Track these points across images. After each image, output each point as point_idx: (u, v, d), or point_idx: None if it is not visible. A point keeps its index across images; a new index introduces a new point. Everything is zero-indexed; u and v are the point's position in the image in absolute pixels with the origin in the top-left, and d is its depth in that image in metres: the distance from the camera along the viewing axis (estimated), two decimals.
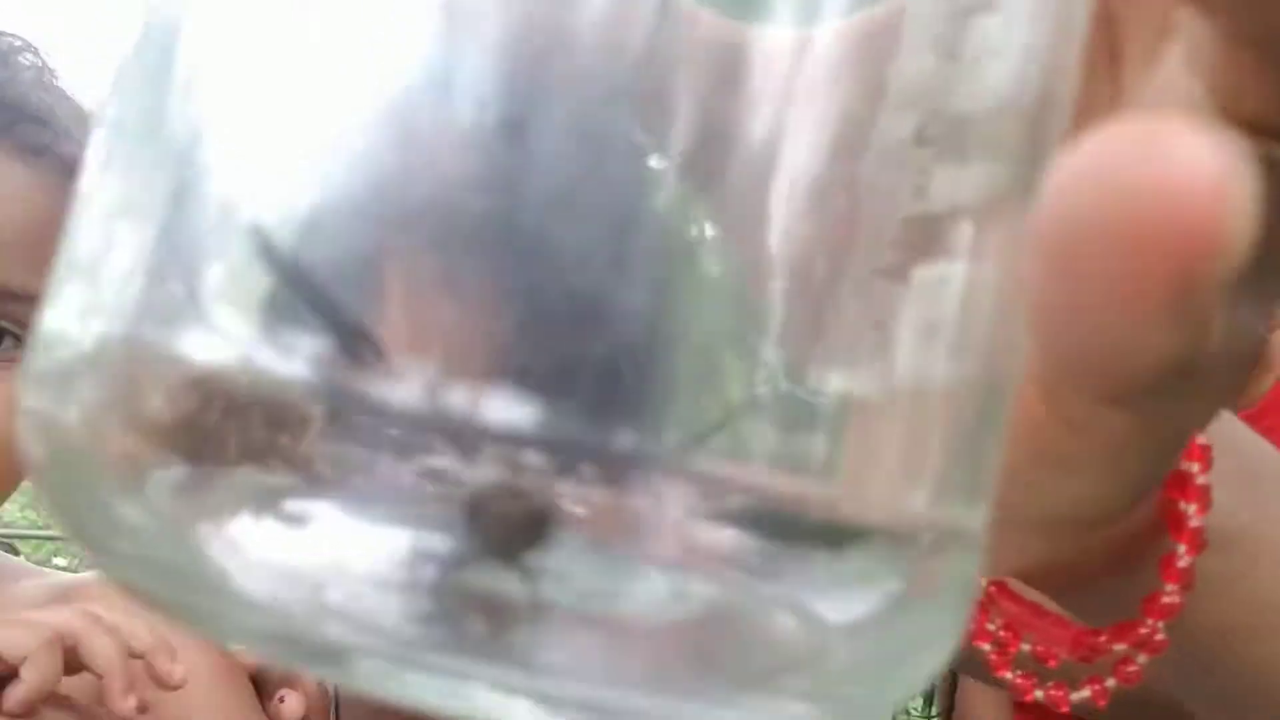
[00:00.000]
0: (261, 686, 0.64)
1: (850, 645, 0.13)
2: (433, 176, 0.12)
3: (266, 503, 0.12)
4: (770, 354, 0.13)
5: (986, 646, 0.26)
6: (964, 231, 0.14)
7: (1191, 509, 0.24)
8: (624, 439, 0.12)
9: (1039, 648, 0.26)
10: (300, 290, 0.12)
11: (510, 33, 0.12)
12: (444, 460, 0.11)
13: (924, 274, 0.13)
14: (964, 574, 0.14)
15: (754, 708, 0.13)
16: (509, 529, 0.11)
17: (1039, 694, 0.27)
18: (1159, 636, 0.25)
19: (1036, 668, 0.26)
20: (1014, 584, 0.27)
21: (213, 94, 0.14)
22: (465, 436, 0.11)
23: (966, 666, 0.60)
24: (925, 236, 0.13)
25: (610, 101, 0.12)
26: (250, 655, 0.66)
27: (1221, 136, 0.11)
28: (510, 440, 0.11)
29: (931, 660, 0.14)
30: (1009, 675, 0.27)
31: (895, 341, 0.13)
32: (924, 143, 0.13)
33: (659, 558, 0.12)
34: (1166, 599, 0.24)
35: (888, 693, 0.14)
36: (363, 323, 0.12)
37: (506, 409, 0.11)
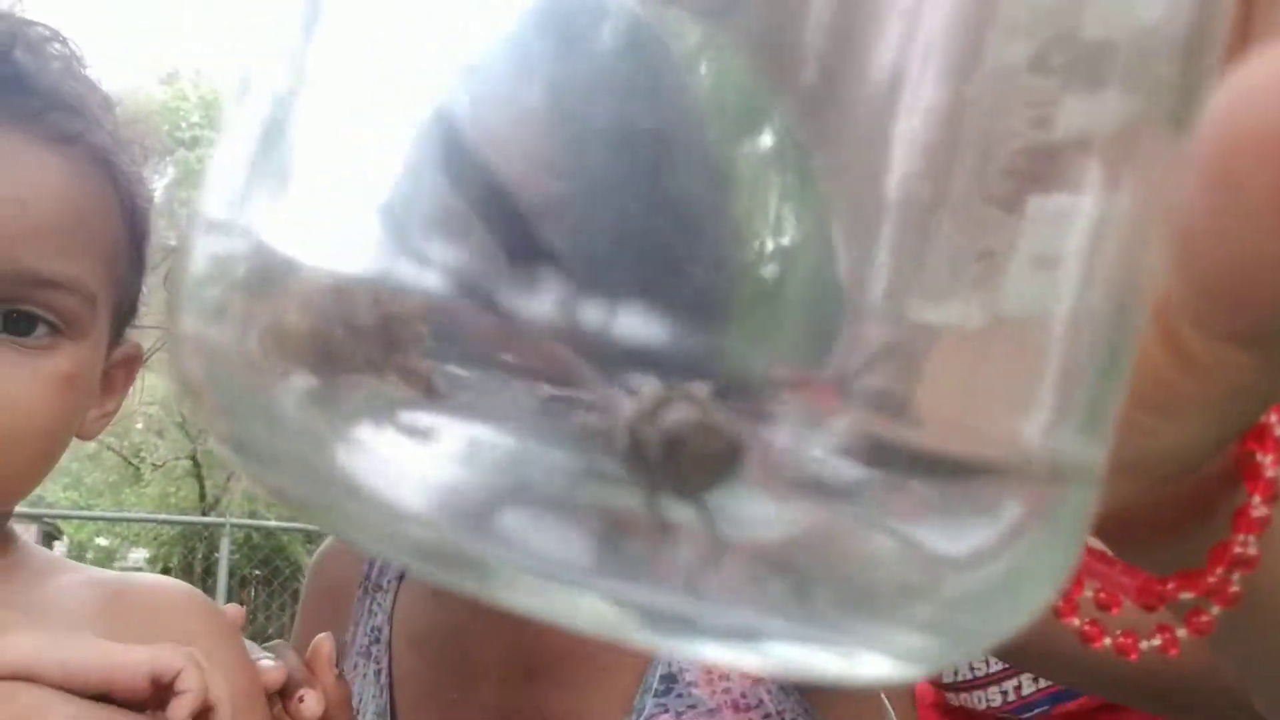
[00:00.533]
0: (282, 691, 0.61)
1: (964, 575, 0.13)
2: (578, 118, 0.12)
3: (427, 418, 0.12)
4: (891, 285, 0.12)
5: None
6: (1092, 162, 0.13)
7: (1269, 459, 0.23)
8: (756, 367, 0.11)
9: (1102, 594, 0.25)
10: (473, 204, 0.12)
11: None
12: (603, 387, 0.11)
13: (1044, 204, 0.13)
14: (1079, 507, 0.14)
15: (871, 635, 0.13)
16: (704, 467, 0.11)
17: (1107, 641, 0.26)
18: (1233, 588, 0.24)
19: (1104, 615, 0.26)
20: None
21: (345, 15, 0.14)
22: (622, 362, 0.11)
23: (1022, 651, 0.54)
24: (1047, 166, 0.13)
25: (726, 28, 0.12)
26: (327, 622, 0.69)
27: None
28: (669, 370, 0.11)
29: (1041, 593, 0.14)
30: (1076, 621, 0.26)
31: (1007, 271, 0.13)
32: (1045, 70, 0.13)
33: (789, 489, 0.12)
34: (1238, 549, 0.23)
35: (998, 624, 0.14)
36: (527, 239, 0.12)
37: (663, 340, 0.11)
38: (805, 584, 0.13)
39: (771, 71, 0.13)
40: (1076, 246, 0.13)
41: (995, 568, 0.14)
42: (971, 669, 1.23)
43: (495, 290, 0.12)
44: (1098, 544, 0.26)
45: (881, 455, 0.12)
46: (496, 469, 0.12)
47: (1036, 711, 1.21)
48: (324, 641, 0.64)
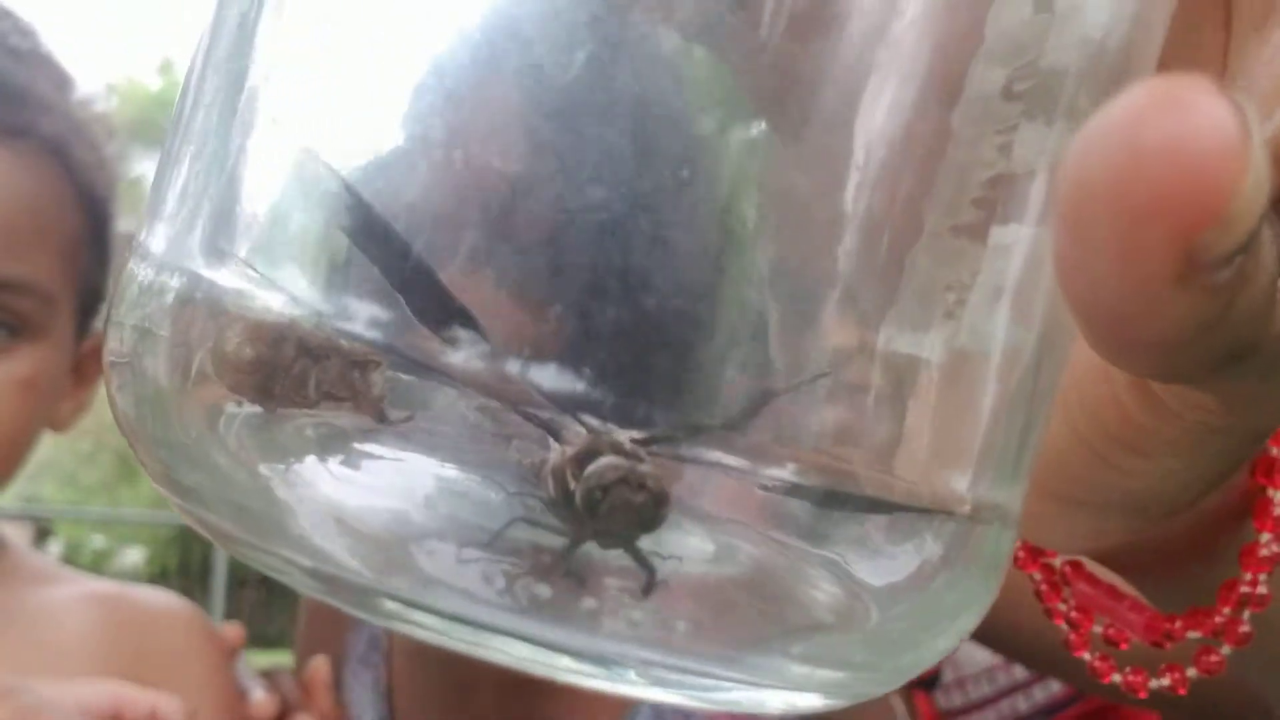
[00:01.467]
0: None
1: (883, 611, 0.13)
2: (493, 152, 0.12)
3: (349, 454, 0.12)
4: (838, 324, 0.12)
5: (1063, 626, 0.25)
6: (1038, 192, 0.13)
7: (1279, 496, 0.22)
8: (691, 415, 0.12)
9: (1110, 630, 0.25)
10: (381, 257, 0.12)
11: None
12: (532, 434, 0.11)
13: (999, 235, 0.13)
14: (998, 548, 0.14)
15: (787, 672, 0.13)
16: (626, 517, 0.11)
17: (1116, 678, 0.25)
18: (1244, 628, 0.23)
19: (1115, 652, 0.25)
20: (1090, 564, 0.26)
21: (294, 56, 0.14)
22: (555, 410, 0.11)
23: (1033, 657, 0.62)
24: (1004, 196, 0.13)
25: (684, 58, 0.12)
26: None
27: (1241, 103, 0.10)
28: (602, 417, 0.11)
29: (962, 625, 0.14)
30: (1087, 656, 0.25)
31: (966, 305, 0.13)
32: (1012, 98, 0.13)
33: (718, 525, 0.12)
34: (1245, 588, 0.23)
35: (920, 655, 0.14)
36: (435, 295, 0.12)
37: (593, 389, 0.11)
38: (726, 622, 0.13)
39: (741, 94, 0.13)
40: (1014, 281, 0.13)
41: (916, 603, 0.14)
42: (966, 693, 1.24)
43: (422, 341, 0.12)
44: (1112, 578, 0.26)
45: (806, 497, 0.13)
46: (425, 507, 0.12)
47: None
48: (320, 665, 0.63)
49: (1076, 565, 0.26)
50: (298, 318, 0.12)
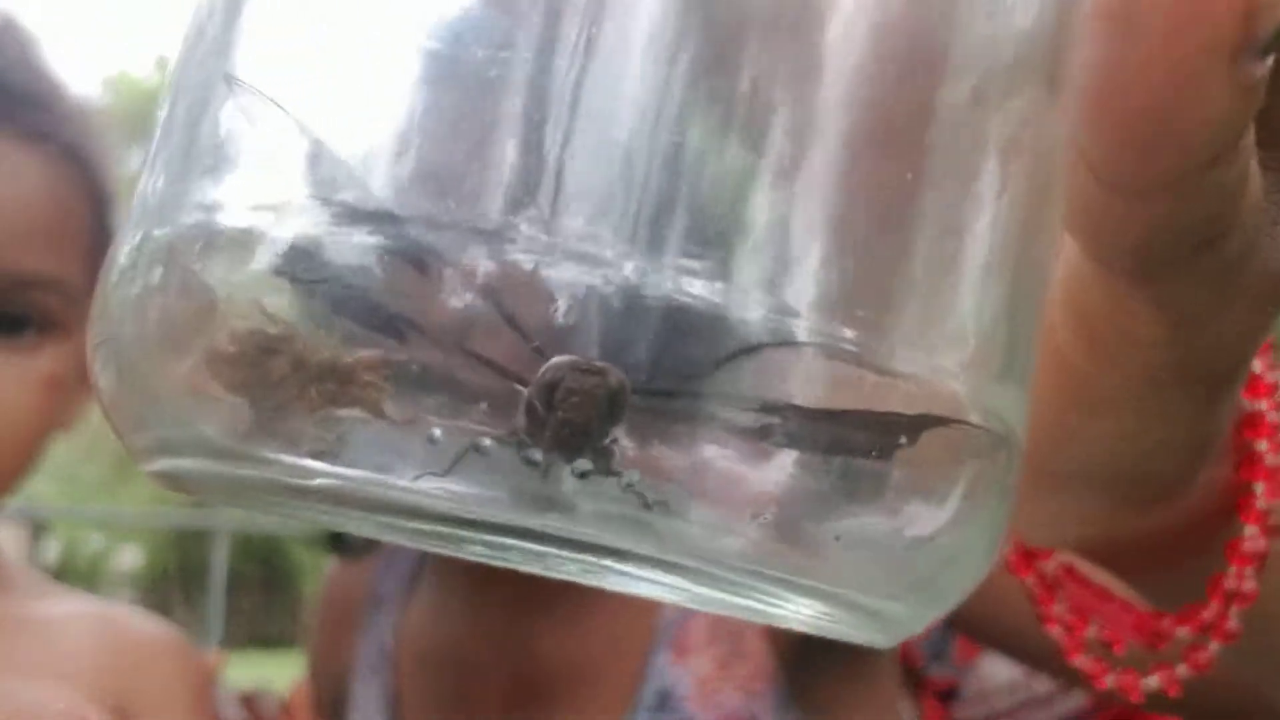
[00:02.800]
0: None
1: (905, 550, 0.13)
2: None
3: (325, 417, 0.12)
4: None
5: (1058, 630, 0.26)
6: (1011, 160, 0.14)
7: (1260, 488, 0.22)
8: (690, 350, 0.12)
9: (1105, 632, 0.25)
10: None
11: None
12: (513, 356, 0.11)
13: (973, 213, 0.14)
14: (1009, 465, 0.15)
15: (791, 602, 0.13)
16: (589, 402, 0.11)
17: (1110, 680, 0.26)
18: (1230, 624, 0.23)
19: (1106, 654, 0.25)
20: (1082, 567, 0.26)
21: (277, 51, 0.14)
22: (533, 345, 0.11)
23: (1033, 657, 0.61)
24: (981, 178, 0.14)
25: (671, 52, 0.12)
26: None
27: None
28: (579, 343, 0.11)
29: (975, 566, 0.14)
30: (1080, 660, 0.26)
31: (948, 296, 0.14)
32: (979, 101, 0.14)
33: (719, 468, 0.12)
34: (1230, 583, 0.23)
35: (932, 596, 0.14)
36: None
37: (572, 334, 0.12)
38: (745, 543, 0.13)
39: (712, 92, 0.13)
40: (994, 241, 0.14)
41: (943, 525, 0.14)
42: (989, 705, 1.24)
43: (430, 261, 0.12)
44: (1107, 581, 0.26)
45: (818, 417, 0.13)
46: (418, 420, 0.12)
47: None
48: (304, 689, 0.63)
49: (1069, 569, 0.26)
50: (293, 327, 0.12)
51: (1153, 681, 0.25)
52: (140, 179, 0.15)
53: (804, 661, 0.63)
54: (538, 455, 0.12)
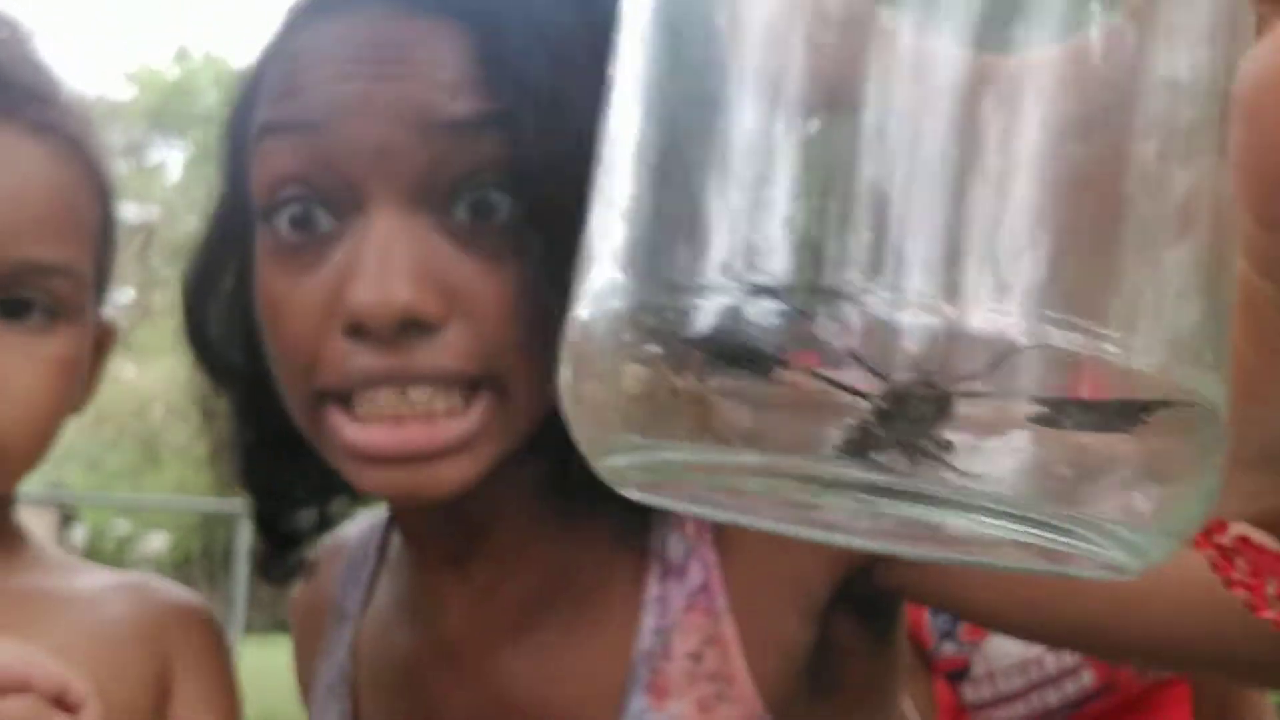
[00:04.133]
0: None
1: (1150, 494, 0.18)
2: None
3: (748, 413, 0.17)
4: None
5: (1242, 593, 0.29)
6: (1199, 204, 0.18)
7: None
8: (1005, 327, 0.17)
9: None
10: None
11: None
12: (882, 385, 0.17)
13: (1174, 253, 0.18)
14: (1215, 441, 0.19)
15: (1075, 535, 0.18)
16: (926, 411, 0.17)
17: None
18: None
19: None
20: (1257, 536, 0.28)
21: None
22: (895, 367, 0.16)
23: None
24: (1178, 222, 0.18)
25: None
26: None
27: None
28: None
29: (1201, 508, 0.19)
30: (1270, 614, 0.28)
31: (1158, 300, 0.18)
32: (1164, 158, 0.18)
33: (1003, 433, 0.17)
34: None
35: (1171, 530, 0.19)
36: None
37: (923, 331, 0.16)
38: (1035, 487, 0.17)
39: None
40: (1199, 260, 0.18)
41: (1171, 478, 0.18)
42: (994, 685, 1.25)
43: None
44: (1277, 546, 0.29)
45: (1073, 407, 0.17)
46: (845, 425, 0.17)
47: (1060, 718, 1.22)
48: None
49: (1244, 538, 0.29)
50: (705, 333, 0.18)
51: None
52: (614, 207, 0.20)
53: (795, 704, 0.59)
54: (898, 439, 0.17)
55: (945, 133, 0.17)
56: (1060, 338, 0.17)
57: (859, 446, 0.17)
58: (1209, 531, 0.29)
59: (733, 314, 0.17)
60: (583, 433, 0.20)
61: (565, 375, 0.20)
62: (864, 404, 0.17)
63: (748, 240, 0.18)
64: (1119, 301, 0.18)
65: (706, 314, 0.18)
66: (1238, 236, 0.19)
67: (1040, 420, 0.17)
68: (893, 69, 0.17)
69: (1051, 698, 1.23)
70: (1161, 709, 1.27)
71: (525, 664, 0.62)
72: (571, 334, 0.20)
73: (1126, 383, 0.18)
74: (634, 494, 0.21)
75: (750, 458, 0.18)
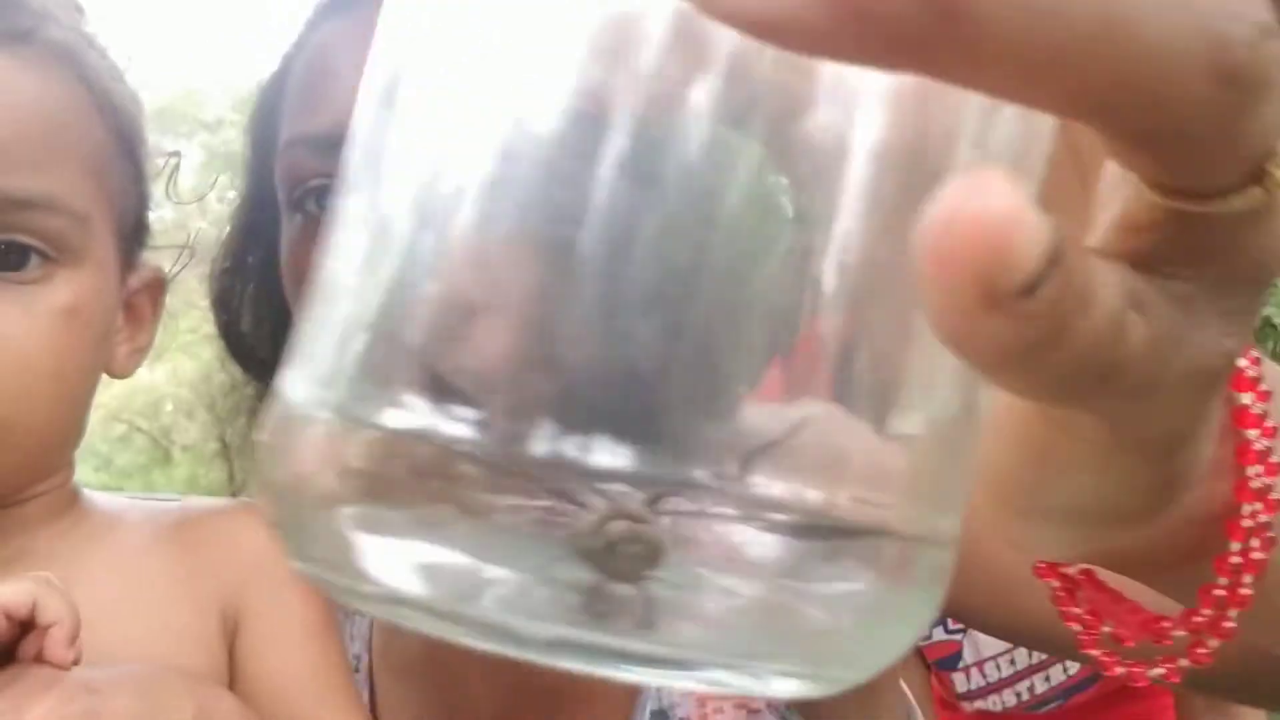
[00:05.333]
0: None
1: (846, 620, 0.17)
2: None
3: (434, 533, 0.16)
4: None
5: (1076, 627, 0.29)
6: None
7: (1248, 509, 0.24)
8: (698, 476, 0.16)
9: (1117, 630, 0.28)
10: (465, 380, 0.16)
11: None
12: (569, 505, 0.15)
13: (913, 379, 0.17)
14: (937, 567, 0.18)
15: (773, 666, 0.17)
16: (633, 558, 0.16)
17: (1120, 670, 0.29)
18: (1228, 624, 0.25)
19: (1118, 648, 0.28)
20: (1100, 573, 0.28)
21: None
22: (579, 483, 0.15)
23: (1061, 648, 0.58)
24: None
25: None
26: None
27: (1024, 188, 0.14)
28: (613, 481, 0.15)
29: (908, 634, 0.18)
30: (1095, 652, 0.29)
31: (938, 385, 0.17)
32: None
33: (715, 562, 0.16)
34: (1219, 591, 0.25)
35: (875, 657, 0.18)
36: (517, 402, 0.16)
37: (609, 459, 0.15)
38: (723, 629, 0.16)
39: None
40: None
41: (872, 613, 0.17)
42: (984, 676, 1.26)
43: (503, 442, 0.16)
44: (1122, 582, 0.28)
45: (785, 531, 0.16)
46: (495, 559, 0.16)
47: (1051, 706, 1.23)
48: None
49: (1088, 573, 0.29)
50: (401, 434, 0.16)
51: (1158, 671, 0.28)
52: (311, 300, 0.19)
53: None
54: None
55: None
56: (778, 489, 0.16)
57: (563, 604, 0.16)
58: (1054, 563, 0.29)
59: (419, 436, 0.16)
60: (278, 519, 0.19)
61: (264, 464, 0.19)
62: (567, 542, 0.16)
63: (438, 358, 0.17)
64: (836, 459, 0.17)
65: (393, 436, 0.17)
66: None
67: (740, 570, 0.16)
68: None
69: (1039, 685, 1.24)
70: (1150, 696, 1.28)
71: None
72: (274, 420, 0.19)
73: (840, 510, 0.17)
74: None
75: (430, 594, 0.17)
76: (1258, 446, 0.24)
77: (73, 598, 0.46)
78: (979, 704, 1.28)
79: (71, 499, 0.58)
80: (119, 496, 0.64)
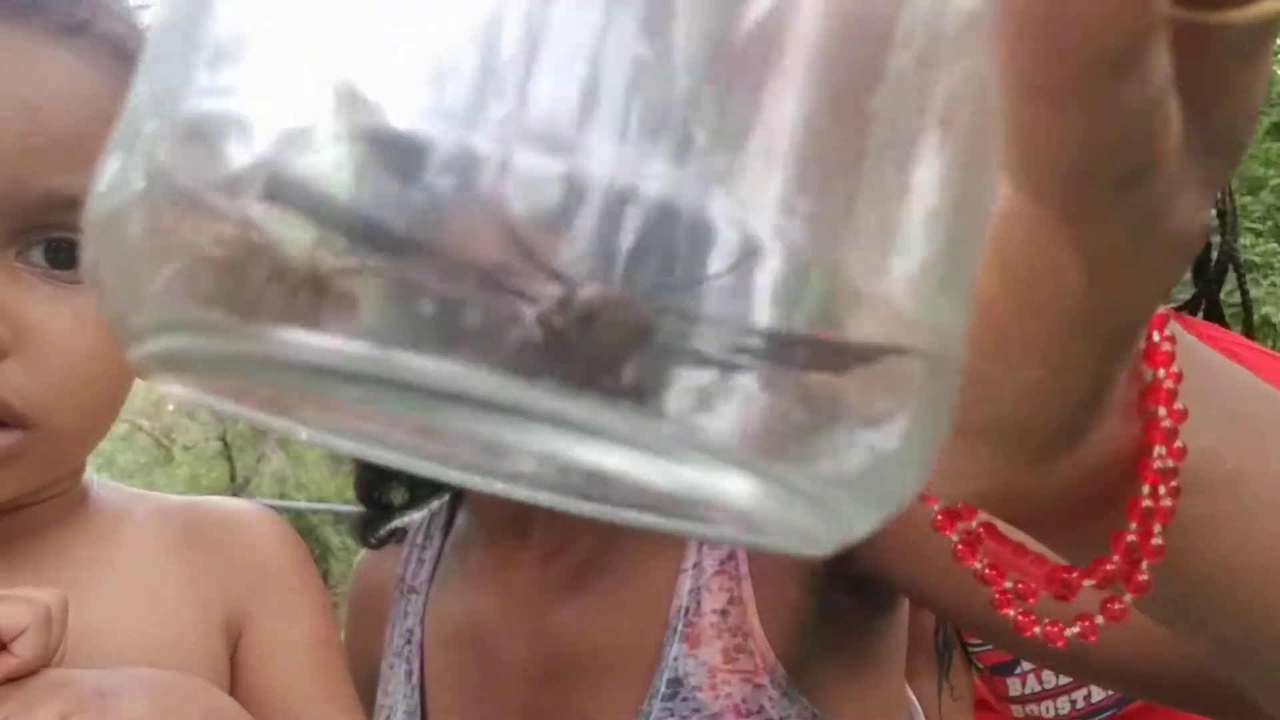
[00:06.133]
0: None
1: (854, 440, 0.15)
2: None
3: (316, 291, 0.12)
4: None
5: (987, 587, 0.27)
6: (954, 110, 0.16)
7: (1159, 450, 0.24)
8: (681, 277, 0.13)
9: (1019, 584, 0.27)
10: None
11: None
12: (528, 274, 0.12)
13: (923, 176, 0.15)
14: (940, 393, 0.16)
15: (761, 484, 0.15)
16: (614, 328, 0.13)
17: (1037, 630, 0.27)
18: (1141, 576, 0.25)
19: (1026, 605, 0.27)
20: (1001, 526, 0.28)
21: None
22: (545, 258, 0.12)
23: (964, 620, 0.63)
24: (926, 126, 0.15)
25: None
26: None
27: None
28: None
29: (914, 470, 0.16)
30: (1011, 612, 0.27)
31: (904, 225, 0.15)
32: (924, 66, 0.15)
33: (710, 358, 0.13)
34: (1131, 536, 0.24)
35: (875, 496, 0.16)
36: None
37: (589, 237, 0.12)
38: (730, 429, 0.14)
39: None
40: (943, 203, 0.16)
41: (880, 433, 0.15)
42: (1040, 681, 1.26)
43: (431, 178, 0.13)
44: (1022, 538, 0.28)
45: (782, 338, 0.14)
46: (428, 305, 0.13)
47: (1105, 715, 1.22)
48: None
49: (989, 527, 0.28)
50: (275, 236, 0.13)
51: (1073, 630, 0.27)
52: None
53: (802, 657, 0.68)
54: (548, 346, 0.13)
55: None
56: (792, 258, 0.14)
57: (511, 358, 0.13)
58: (953, 515, 0.28)
59: (295, 143, 0.13)
60: (111, 308, 0.15)
61: (93, 239, 0.16)
62: (528, 311, 0.13)
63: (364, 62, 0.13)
64: (859, 222, 0.15)
65: (284, 156, 0.13)
66: (996, 157, 0.17)
67: (749, 353, 0.14)
68: None
69: (1096, 694, 1.23)
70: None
71: (579, 619, 0.73)
72: (103, 184, 0.16)
73: (857, 314, 0.15)
74: (176, 389, 0.16)
75: (337, 349, 0.13)
76: (1167, 386, 0.24)
77: (59, 592, 0.46)
78: (1030, 708, 1.26)
79: (82, 497, 0.58)
80: (127, 489, 0.63)
